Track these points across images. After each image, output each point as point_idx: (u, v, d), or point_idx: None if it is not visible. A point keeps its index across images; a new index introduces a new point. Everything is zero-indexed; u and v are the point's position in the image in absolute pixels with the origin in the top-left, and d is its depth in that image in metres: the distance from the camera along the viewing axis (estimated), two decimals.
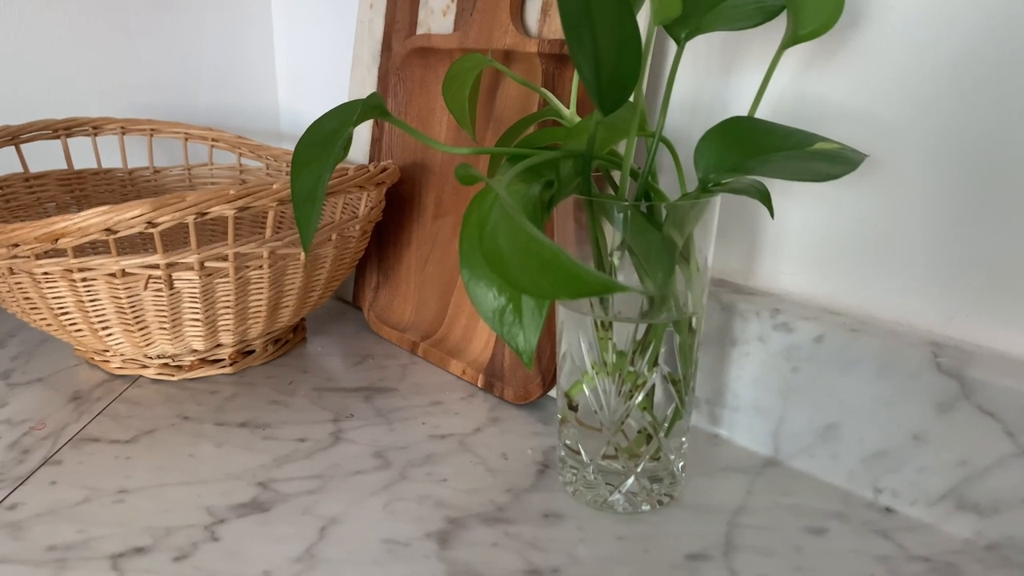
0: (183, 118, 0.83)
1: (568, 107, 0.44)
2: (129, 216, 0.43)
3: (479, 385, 0.56)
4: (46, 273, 0.47)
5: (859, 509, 0.43)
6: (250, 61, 0.88)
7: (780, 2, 0.37)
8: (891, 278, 0.45)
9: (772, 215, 0.38)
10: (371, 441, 0.49)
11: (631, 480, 0.42)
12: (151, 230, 0.44)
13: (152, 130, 0.73)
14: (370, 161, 0.68)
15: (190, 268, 0.47)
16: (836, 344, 0.44)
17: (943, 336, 0.43)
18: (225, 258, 0.48)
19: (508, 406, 0.54)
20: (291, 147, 0.90)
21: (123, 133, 0.72)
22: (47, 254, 0.47)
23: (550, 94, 0.44)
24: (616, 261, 0.40)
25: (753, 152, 0.36)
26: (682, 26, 0.38)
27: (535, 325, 0.36)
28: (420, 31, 0.64)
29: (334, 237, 0.54)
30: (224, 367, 0.57)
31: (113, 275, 0.47)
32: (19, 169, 0.67)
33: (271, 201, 0.46)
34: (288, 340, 0.62)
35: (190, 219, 0.45)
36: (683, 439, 0.43)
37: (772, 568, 0.38)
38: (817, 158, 0.36)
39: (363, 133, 0.70)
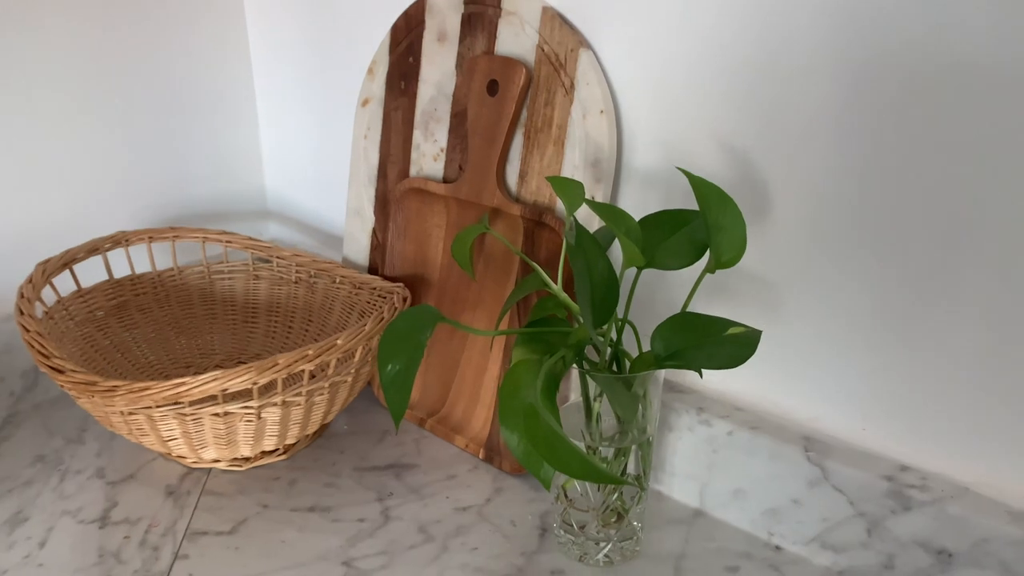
0: (178, 209, 0.96)
1: (556, 283, 0.61)
2: (239, 380, 0.58)
3: (480, 457, 0.74)
4: (163, 415, 0.62)
5: (759, 548, 0.64)
6: (239, 160, 1.01)
7: (704, 241, 0.55)
8: (778, 383, 0.65)
9: (701, 376, 0.57)
10: (413, 517, 0.67)
11: (609, 545, 0.61)
12: (252, 385, 0.60)
13: (175, 236, 0.86)
14: (370, 268, 0.84)
15: (275, 405, 0.63)
16: (742, 438, 0.64)
17: (813, 431, 0.64)
18: (301, 394, 0.64)
19: (507, 476, 0.72)
20: (277, 229, 1.03)
21: (150, 241, 0.85)
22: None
23: (545, 275, 0.61)
24: (598, 407, 0.58)
25: (691, 340, 0.54)
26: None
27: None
28: (413, 169, 0.79)
29: (369, 358, 0.70)
30: (280, 455, 0.73)
31: (217, 415, 0.62)
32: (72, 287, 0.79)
33: (338, 354, 0.62)
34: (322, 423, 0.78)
35: (281, 375, 0.60)
36: (641, 509, 0.63)
37: None
38: (730, 343, 0.54)
39: (363, 240, 0.84)
